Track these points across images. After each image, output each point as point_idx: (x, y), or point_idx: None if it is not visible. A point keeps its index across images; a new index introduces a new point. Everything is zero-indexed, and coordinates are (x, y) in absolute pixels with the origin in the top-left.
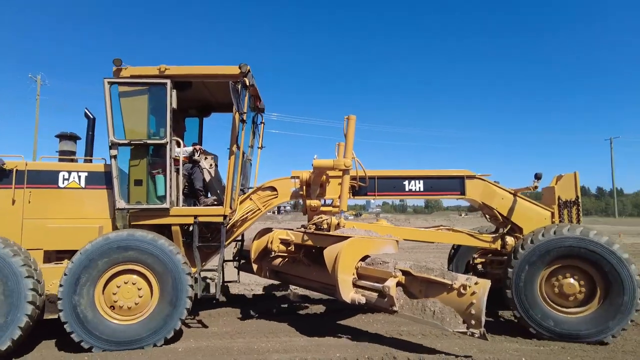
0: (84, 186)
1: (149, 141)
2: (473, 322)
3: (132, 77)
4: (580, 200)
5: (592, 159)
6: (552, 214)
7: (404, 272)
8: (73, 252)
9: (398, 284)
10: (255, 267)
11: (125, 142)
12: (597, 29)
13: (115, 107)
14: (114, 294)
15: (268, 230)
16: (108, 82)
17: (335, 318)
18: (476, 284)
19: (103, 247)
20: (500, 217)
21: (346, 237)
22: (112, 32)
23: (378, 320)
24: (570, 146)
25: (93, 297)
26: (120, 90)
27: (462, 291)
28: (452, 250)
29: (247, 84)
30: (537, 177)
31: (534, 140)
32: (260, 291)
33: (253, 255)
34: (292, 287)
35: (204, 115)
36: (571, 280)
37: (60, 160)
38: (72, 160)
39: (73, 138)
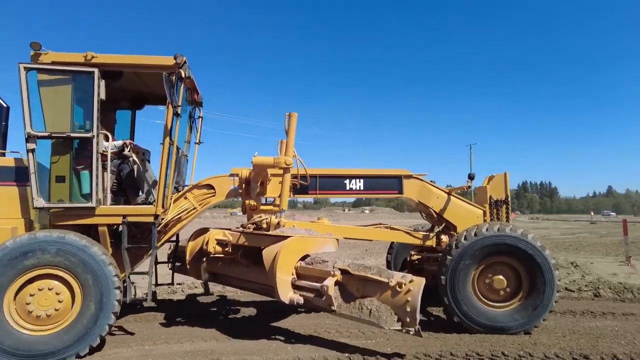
0: None
1: (72, 134)
2: (408, 319)
3: (53, 63)
4: (509, 199)
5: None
6: (484, 212)
7: (343, 271)
8: None
9: (336, 283)
10: (190, 268)
11: (46, 134)
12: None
13: (33, 96)
14: (28, 302)
15: (204, 230)
16: (25, 68)
17: (268, 320)
18: (411, 281)
19: (27, 247)
20: (435, 215)
21: (286, 237)
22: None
23: (314, 321)
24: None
25: (2, 303)
26: (40, 77)
27: (398, 289)
28: (390, 250)
29: (183, 75)
30: (471, 177)
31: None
32: (195, 292)
33: (188, 257)
34: (224, 288)
35: (137, 108)
36: (500, 276)
37: None
38: None
39: None
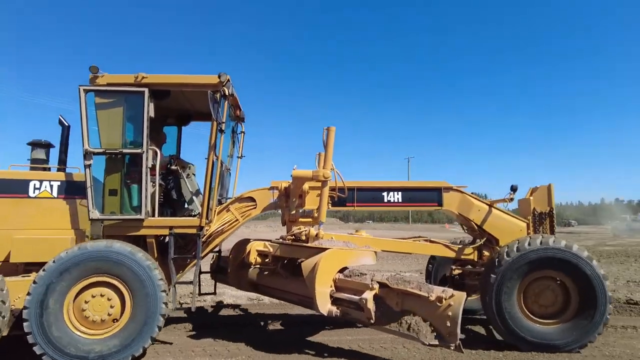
0: (56, 196)
1: (124, 150)
2: (448, 334)
3: (108, 85)
4: (554, 211)
5: None
6: (528, 225)
7: (381, 284)
8: (42, 264)
9: (375, 296)
10: (232, 279)
11: (100, 151)
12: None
13: (90, 115)
14: (84, 308)
15: (246, 241)
16: (84, 90)
17: (299, 333)
18: (452, 296)
19: (78, 257)
20: (477, 228)
21: (324, 249)
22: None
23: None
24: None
25: (62, 308)
26: (97, 98)
27: (438, 304)
28: (430, 261)
29: (227, 93)
30: (513, 189)
31: None
32: (241, 302)
33: (230, 267)
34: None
35: (183, 124)
36: (547, 290)
37: (32, 168)
38: (44, 169)
39: (46, 146)
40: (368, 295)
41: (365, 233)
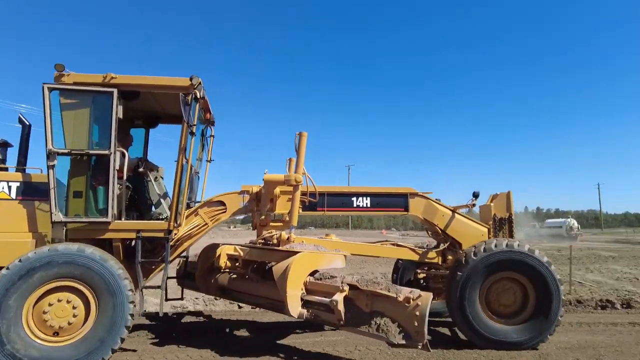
0: (14, 197)
1: (91, 151)
2: (416, 333)
3: (75, 84)
4: (513, 217)
5: None
6: (489, 230)
7: (351, 286)
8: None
9: (345, 298)
10: (200, 284)
11: (65, 151)
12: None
13: (55, 114)
14: (45, 312)
15: (215, 245)
16: (48, 88)
17: (269, 337)
18: (419, 296)
19: (47, 258)
20: (441, 232)
21: (295, 252)
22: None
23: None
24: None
25: (22, 311)
26: (62, 97)
27: (406, 304)
28: (397, 265)
29: (198, 96)
30: (475, 195)
31: None
32: (208, 308)
33: (199, 272)
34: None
35: (151, 126)
36: (508, 291)
37: None
38: (1, 169)
39: (3, 145)
40: (338, 297)
41: (335, 237)
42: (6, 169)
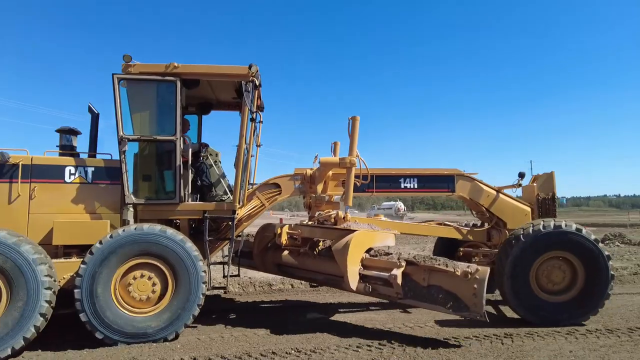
0: (90, 181)
1: (158, 137)
2: (474, 305)
3: (141, 73)
4: (556, 197)
5: None
6: (532, 209)
7: (408, 262)
8: (80, 246)
9: (402, 273)
10: (257, 261)
11: (136, 137)
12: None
13: (124, 103)
14: (129, 285)
15: (269, 225)
16: (117, 78)
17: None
18: (477, 271)
19: (133, 237)
20: (486, 212)
21: (353, 231)
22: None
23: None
24: None
25: (110, 287)
26: (129, 86)
27: (465, 278)
28: (438, 243)
29: (257, 83)
30: (521, 175)
31: None
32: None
33: (255, 250)
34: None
35: (204, 113)
36: (557, 269)
37: (61, 154)
38: (72, 155)
39: (73, 132)
40: (397, 272)
41: (384, 217)
42: (78, 155)
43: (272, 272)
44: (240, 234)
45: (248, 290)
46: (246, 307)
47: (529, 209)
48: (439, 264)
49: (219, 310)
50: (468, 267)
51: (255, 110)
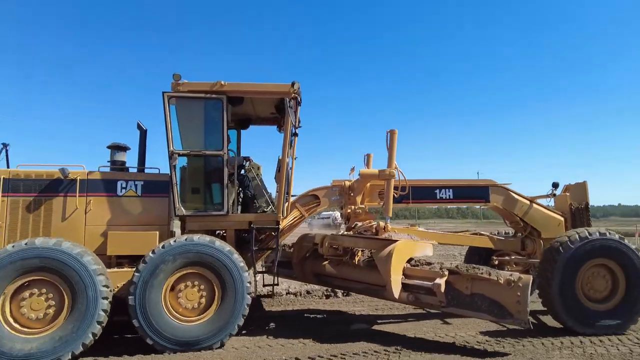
0: (140, 194)
1: (207, 152)
2: (518, 312)
3: (189, 91)
4: (589, 206)
5: None
6: (565, 219)
7: (451, 271)
8: (130, 257)
9: (445, 281)
10: (296, 270)
11: (186, 152)
12: None
13: (173, 119)
14: (179, 293)
15: (307, 235)
16: (167, 96)
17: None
18: (520, 279)
19: (185, 247)
20: (520, 222)
21: (394, 241)
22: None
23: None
24: None
25: (161, 295)
26: (178, 103)
27: (508, 286)
28: (469, 252)
29: (298, 100)
30: (555, 185)
31: None
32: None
33: (295, 259)
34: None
35: (243, 128)
36: (599, 277)
37: (112, 169)
38: (122, 170)
39: (124, 149)
40: (441, 281)
41: (419, 228)
42: (127, 170)
43: (310, 281)
44: (281, 244)
45: (288, 298)
46: (283, 315)
47: (562, 219)
48: (481, 273)
49: (257, 318)
50: (511, 275)
51: (298, 126)
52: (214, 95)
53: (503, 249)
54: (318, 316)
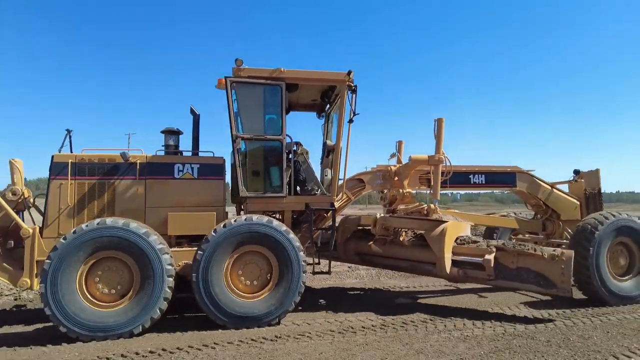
0: (196, 177)
1: (268, 136)
2: (562, 282)
3: (250, 77)
4: (602, 192)
5: None
6: (580, 203)
7: (498, 248)
8: (189, 237)
9: (493, 257)
10: (340, 252)
11: (249, 136)
12: None
13: (234, 104)
14: (240, 270)
15: (349, 217)
16: (230, 81)
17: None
18: (562, 253)
19: (245, 227)
20: (542, 205)
21: (444, 221)
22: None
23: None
24: None
25: (222, 272)
26: (239, 88)
27: (552, 260)
28: (485, 231)
29: (353, 87)
30: (577, 172)
31: None
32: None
33: (339, 240)
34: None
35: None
36: (622, 254)
37: (167, 153)
38: (175, 154)
39: (177, 133)
40: (490, 257)
41: (453, 210)
42: (181, 153)
43: (352, 261)
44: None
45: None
46: (329, 292)
47: (577, 203)
48: (528, 249)
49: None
50: (554, 250)
51: (355, 113)
52: (273, 82)
53: (528, 229)
54: (360, 292)
